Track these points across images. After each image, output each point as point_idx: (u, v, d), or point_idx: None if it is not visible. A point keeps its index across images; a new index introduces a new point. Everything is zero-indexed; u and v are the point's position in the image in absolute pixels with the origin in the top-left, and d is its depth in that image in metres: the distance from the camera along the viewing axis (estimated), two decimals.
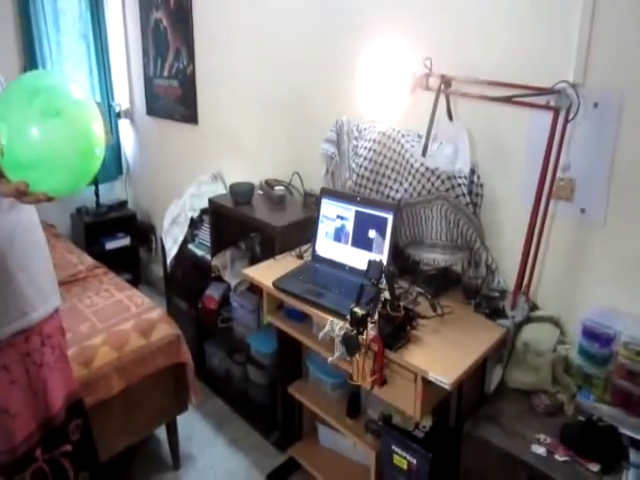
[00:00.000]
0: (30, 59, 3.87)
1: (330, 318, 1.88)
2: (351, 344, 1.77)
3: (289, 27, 2.79)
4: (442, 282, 2.15)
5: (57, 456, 1.82)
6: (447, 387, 1.62)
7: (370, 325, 1.79)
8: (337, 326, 1.84)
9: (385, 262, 2.08)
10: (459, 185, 2.01)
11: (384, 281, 1.79)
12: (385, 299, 1.77)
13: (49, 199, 1.26)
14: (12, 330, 1.64)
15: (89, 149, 1.21)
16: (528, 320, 1.93)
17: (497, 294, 2.02)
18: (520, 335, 1.88)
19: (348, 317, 1.77)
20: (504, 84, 1.88)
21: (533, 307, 2.00)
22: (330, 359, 1.89)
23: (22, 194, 1.24)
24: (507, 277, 2.06)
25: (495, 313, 1.96)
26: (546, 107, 1.78)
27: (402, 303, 1.80)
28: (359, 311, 1.73)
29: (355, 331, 1.75)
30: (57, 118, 1.14)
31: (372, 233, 2.18)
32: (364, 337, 1.75)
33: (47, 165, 1.16)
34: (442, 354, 1.75)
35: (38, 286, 1.69)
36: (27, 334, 1.68)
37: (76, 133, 1.18)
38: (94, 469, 1.98)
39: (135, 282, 4.26)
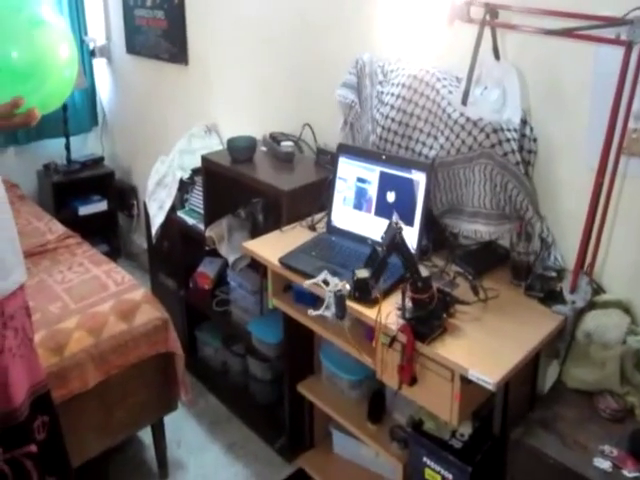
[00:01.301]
0: None
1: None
2: (339, 305, 1.79)
3: None
4: (486, 259, 2.13)
5: (19, 456, 1.83)
6: (491, 388, 1.60)
7: (397, 312, 1.78)
8: (333, 282, 1.83)
9: (417, 235, 2.06)
10: (507, 140, 1.97)
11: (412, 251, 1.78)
12: (411, 275, 1.74)
13: (35, 118, 1.42)
14: None
15: (70, 59, 1.47)
16: (591, 306, 1.90)
17: (553, 274, 1.99)
18: (581, 324, 1.85)
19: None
20: (563, 13, 1.82)
21: (598, 290, 1.97)
22: (310, 311, 1.91)
23: (15, 109, 1.39)
24: (566, 253, 2.04)
25: (551, 297, 1.93)
26: (616, 41, 1.72)
27: (436, 285, 1.78)
28: (358, 273, 1.75)
29: (350, 293, 1.78)
30: (42, 26, 1.42)
31: (400, 199, 2.15)
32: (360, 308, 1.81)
33: (40, 72, 1.40)
34: (485, 347, 1.73)
35: None
36: None
37: (60, 40, 1.44)
38: (64, 474, 2.00)
39: (113, 255, 4.29)
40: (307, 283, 1.91)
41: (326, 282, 1.85)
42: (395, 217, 1.76)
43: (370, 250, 1.81)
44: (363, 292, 1.77)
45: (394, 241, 1.72)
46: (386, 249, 1.74)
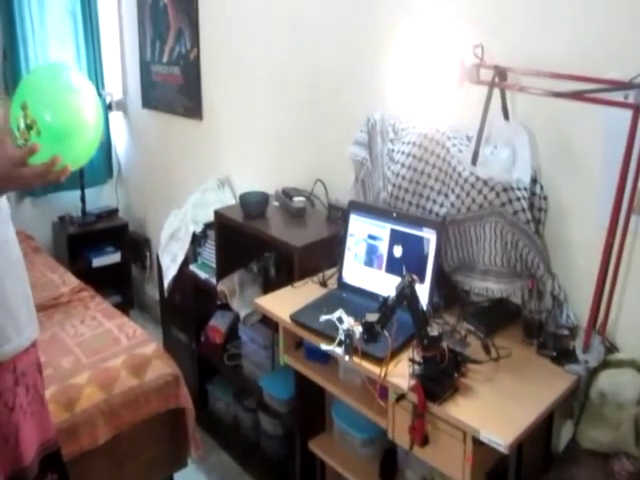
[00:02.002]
0: (10, 38, 3.94)
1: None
2: (347, 345, 1.83)
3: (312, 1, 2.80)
4: (497, 317, 2.12)
5: None
6: (503, 450, 1.58)
7: (409, 370, 1.77)
8: (347, 320, 1.87)
9: (427, 292, 2.06)
10: (518, 199, 1.98)
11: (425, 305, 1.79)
12: (418, 332, 1.75)
13: (67, 174, 1.48)
14: None
15: (97, 122, 1.55)
16: (605, 365, 1.87)
17: (566, 332, 1.98)
18: (595, 383, 1.83)
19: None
20: (571, 76, 1.85)
21: (611, 348, 1.95)
22: (322, 345, 1.93)
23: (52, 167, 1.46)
24: (578, 310, 2.02)
25: (563, 356, 1.92)
26: (623, 104, 1.74)
27: (447, 344, 1.77)
28: (368, 317, 1.77)
29: (360, 336, 1.80)
30: (76, 93, 1.51)
31: (411, 256, 2.15)
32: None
33: (75, 131, 1.48)
34: (497, 408, 1.71)
35: (12, 313, 1.68)
36: None
37: (90, 104, 1.53)
38: None
39: (126, 306, 4.30)
40: (323, 318, 1.93)
41: (340, 320, 1.88)
42: (405, 270, 1.78)
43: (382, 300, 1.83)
44: (370, 335, 1.78)
45: (403, 292, 1.73)
46: (395, 298, 1.75)
